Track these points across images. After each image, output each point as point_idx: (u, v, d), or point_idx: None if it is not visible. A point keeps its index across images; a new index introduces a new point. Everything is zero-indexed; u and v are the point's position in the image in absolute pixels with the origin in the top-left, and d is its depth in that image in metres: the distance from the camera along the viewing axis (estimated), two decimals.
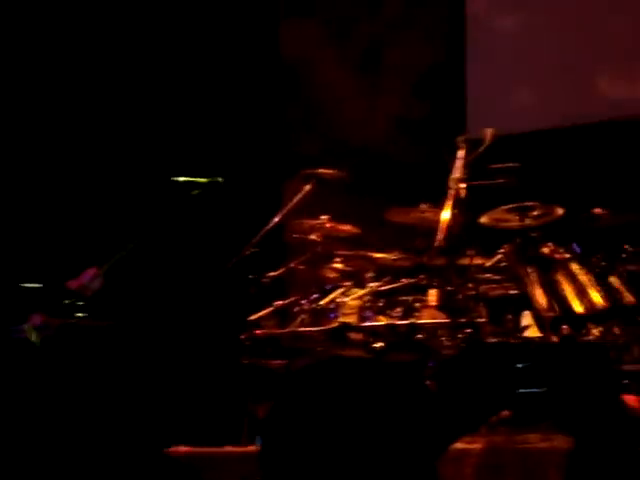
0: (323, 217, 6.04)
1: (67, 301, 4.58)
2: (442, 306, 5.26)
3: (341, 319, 5.49)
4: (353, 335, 5.41)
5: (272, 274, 5.96)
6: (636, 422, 4.70)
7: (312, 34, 8.21)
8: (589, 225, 5.50)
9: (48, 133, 7.03)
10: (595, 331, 5.01)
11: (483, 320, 5.11)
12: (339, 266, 5.96)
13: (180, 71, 7.64)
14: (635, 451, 4.28)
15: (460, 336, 5.06)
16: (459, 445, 4.61)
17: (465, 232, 5.26)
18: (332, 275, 5.93)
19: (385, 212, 5.98)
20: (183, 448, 5.26)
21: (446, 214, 5.13)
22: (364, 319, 5.47)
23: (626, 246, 5.29)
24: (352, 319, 5.48)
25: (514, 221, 5.47)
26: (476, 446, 4.71)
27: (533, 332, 5.13)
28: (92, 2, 7.35)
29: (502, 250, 5.41)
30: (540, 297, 5.09)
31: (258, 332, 5.78)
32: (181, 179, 4.91)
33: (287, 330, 5.71)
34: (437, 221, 5.19)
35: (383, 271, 5.82)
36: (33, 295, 4.66)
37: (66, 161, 7.01)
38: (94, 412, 4.82)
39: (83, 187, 6.98)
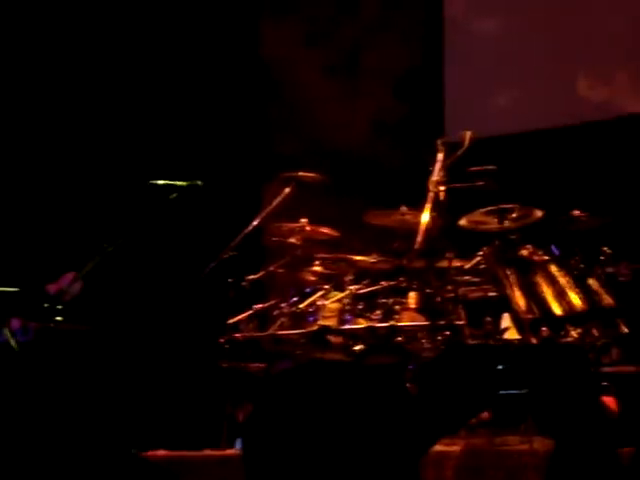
0: (302, 220, 6.04)
1: (46, 305, 4.56)
2: (422, 309, 5.27)
3: (321, 322, 5.49)
4: (333, 338, 5.41)
5: (251, 277, 5.96)
6: (614, 424, 4.73)
7: (291, 34, 8.20)
8: (568, 227, 5.52)
9: (24, 137, 6.99)
10: (574, 333, 5.01)
11: (462, 322, 5.11)
12: (319, 269, 5.96)
13: (159, 72, 7.61)
14: (613, 453, 4.30)
15: (440, 338, 5.07)
16: (439, 447, 4.62)
17: (444, 235, 5.27)
18: (312, 278, 5.93)
19: (364, 215, 5.98)
20: (162, 452, 5.23)
21: (425, 217, 5.16)
22: (344, 322, 5.47)
23: (605, 248, 5.31)
24: (332, 322, 5.48)
25: (493, 223, 5.47)
26: (456, 448, 4.72)
27: (512, 334, 5.14)
28: (64, 4, 7.31)
29: (481, 252, 5.41)
30: (519, 299, 5.09)
31: (237, 335, 5.78)
32: (160, 182, 4.89)
33: (267, 333, 5.70)
34: (416, 224, 5.21)
35: (362, 274, 5.82)
36: (11, 299, 4.64)
37: (44, 165, 6.98)
38: (72, 416, 4.80)
39: (62, 191, 6.95)
